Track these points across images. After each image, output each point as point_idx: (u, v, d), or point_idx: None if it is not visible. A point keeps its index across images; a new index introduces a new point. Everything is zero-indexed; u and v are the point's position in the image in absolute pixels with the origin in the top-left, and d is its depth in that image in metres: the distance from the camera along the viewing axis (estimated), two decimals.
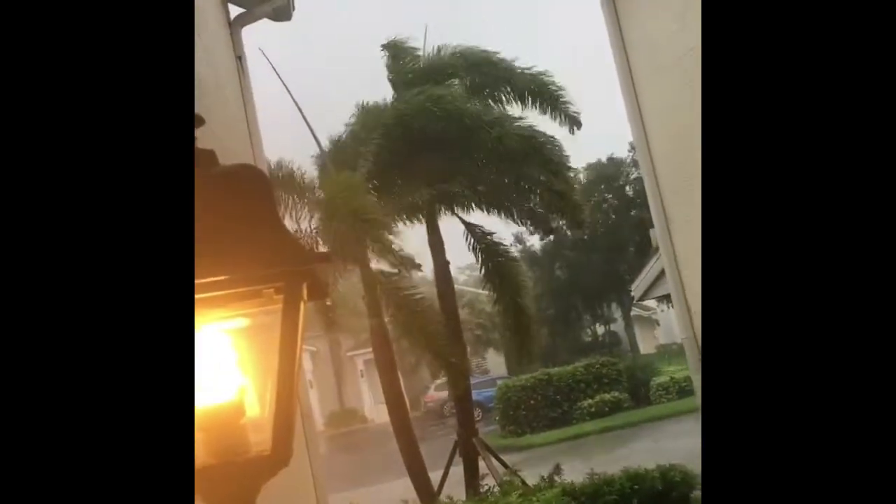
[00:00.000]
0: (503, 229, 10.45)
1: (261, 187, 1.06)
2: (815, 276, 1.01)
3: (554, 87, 9.94)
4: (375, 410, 25.16)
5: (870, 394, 0.97)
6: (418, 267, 9.29)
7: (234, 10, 4.35)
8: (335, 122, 11.78)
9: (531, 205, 10.17)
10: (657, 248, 5.12)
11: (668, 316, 24.64)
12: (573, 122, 9.92)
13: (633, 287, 10.55)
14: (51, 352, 0.82)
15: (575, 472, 6.89)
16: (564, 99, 9.92)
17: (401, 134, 9.29)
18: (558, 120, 9.89)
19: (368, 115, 10.00)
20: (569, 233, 19.89)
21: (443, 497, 7.39)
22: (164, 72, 0.92)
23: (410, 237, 10.29)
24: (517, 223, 10.45)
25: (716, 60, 1.10)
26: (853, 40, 1.02)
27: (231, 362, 1.00)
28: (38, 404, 0.81)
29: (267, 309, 0.97)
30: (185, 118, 0.95)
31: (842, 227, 1.00)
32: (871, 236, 0.99)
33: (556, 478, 5.84)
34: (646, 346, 28.73)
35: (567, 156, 9.82)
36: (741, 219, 1.05)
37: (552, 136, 9.73)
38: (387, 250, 8.35)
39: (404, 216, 9.73)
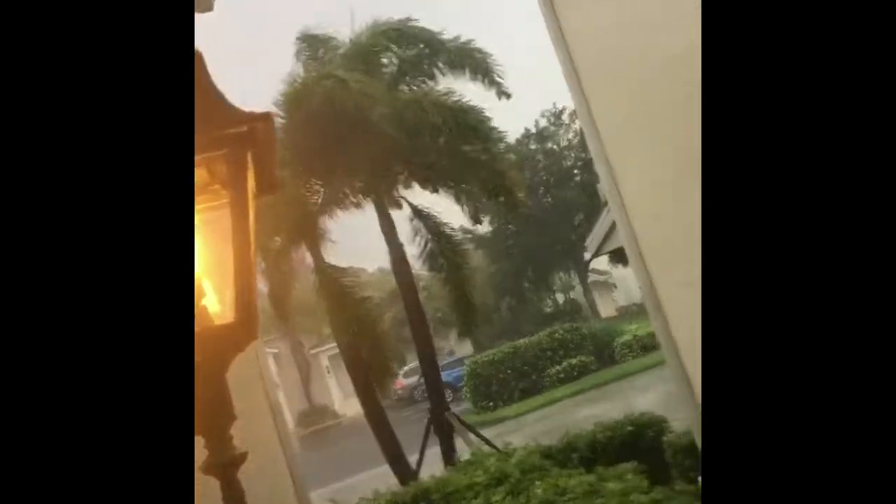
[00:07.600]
0: (449, 211, 10.41)
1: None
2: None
3: (481, 55, 9.99)
4: (346, 405, 25.08)
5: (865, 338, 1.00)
6: None
7: None
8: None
9: (469, 187, 10.04)
10: (606, 203, 5.19)
11: (624, 278, 25.08)
12: (502, 92, 9.97)
13: (587, 242, 10.68)
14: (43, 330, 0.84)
15: (550, 437, 7.00)
16: (495, 66, 9.99)
17: (328, 120, 9.05)
18: (493, 89, 9.94)
19: (290, 102, 9.48)
20: (508, 216, 19.96)
21: (423, 476, 7.42)
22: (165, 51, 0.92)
23: (363, 225, 10.25)
24: (459, 206, 10.38)
25: (715, 60, 1.10)
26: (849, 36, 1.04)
27: None
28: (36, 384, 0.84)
29: (213, 205, 0.96)
30: (184, 117, 0.93)
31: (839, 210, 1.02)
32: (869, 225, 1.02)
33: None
34: (606, 311, 29.23)
35: (495, 128, 9.84)
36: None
37: (476, 105, 9.74)
38: None
39: (350, 204, 9.66)
